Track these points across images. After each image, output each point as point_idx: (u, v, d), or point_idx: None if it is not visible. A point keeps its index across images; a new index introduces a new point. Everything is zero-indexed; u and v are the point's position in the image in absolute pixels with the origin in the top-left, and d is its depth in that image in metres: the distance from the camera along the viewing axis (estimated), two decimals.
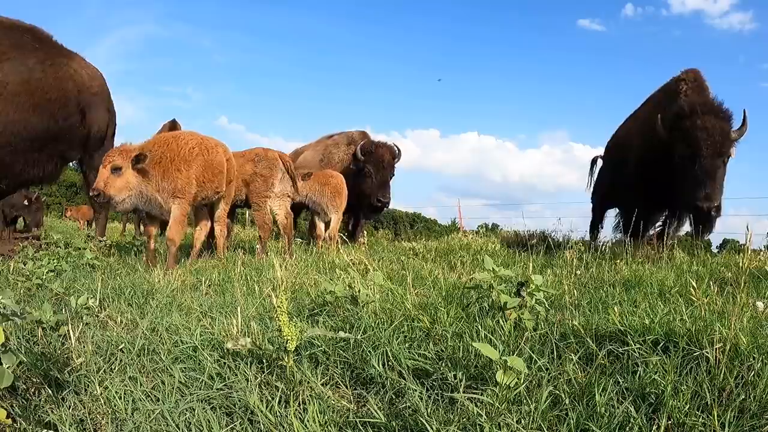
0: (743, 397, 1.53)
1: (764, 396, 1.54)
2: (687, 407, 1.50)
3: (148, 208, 4.83)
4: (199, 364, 1.92)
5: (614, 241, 6.20)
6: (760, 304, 2.39)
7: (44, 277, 3.47)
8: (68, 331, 2.14)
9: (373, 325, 2.19)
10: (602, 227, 7.81)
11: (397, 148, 7.83)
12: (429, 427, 1.43)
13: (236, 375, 1.81)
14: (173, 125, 9.62)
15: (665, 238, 5.52)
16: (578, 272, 3.55)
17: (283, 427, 1.52)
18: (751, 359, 1.72)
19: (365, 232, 8.23)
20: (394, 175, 7.77)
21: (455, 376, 1.72)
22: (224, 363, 1.90)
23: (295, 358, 1.86)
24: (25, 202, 10.80)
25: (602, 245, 4.95)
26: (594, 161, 8.13)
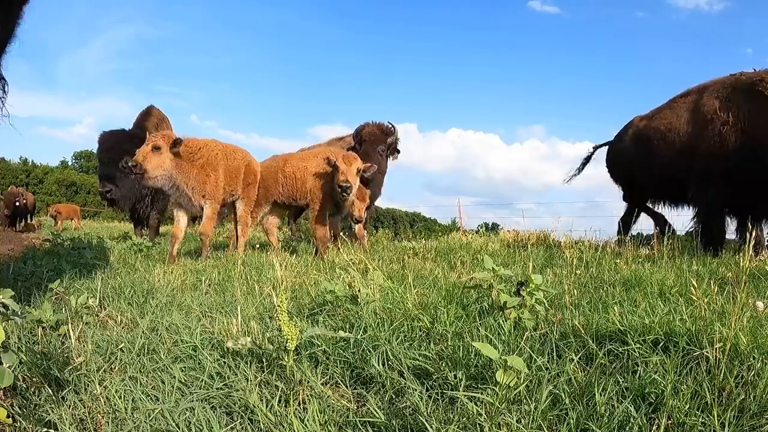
0: (743, 396, 1.53)
1: (764, 396, 1.54)
2: (687, 407, 1.50)
3: (175, 195, 5.42)
4: (199, 364, 1.92)
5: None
6: (760, 304, 2.39)
7: (44, 276, 3.47)
8: (68, 330, 2.15)
9: (373, 324, 2.19)
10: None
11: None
12: (429, 427, 1.43)
13: (236, 374, 1.81)
14: (148, 112, 9.45)
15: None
16: (578, 272, 3.56)
17: (283, 426, 1.52)
18: (751, 359, 1.72)
19: (366, 231, 8.22)
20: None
21: (455, 376, 1.72)
22: (224, 362, 1.90)
23: (295, 357, 1.86)
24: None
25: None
26: None
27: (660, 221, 7.44)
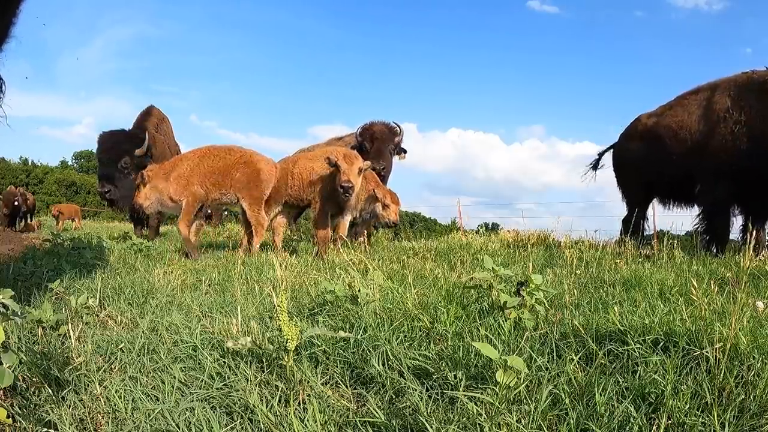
0: (743, 396, 1.53)
1: (764, 396, 1.54)
2: (687, 407, 1.50)
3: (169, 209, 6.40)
4: (199, 364, 1.92)
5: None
6: (760, 304, 2.39)
7: (44, 276, 3.47)
8: (68, 330, 2.15)
9: (373, 324, 2.19)
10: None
11: None
12: (429, 427, 1.43)
13: (236, 374, 1.81)
14: (148, 112, 9.47)
15: None
16: (578, 272, 3.56)
17: (283, 426, 1.52)
18: (751, 359, 1.72)
19: (366, 231, 8.22)
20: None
21: (455, 376, 1.72)
22: (224, 362, 1.90)
23: (295, 357, 1.86)
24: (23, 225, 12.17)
25: None
26: None
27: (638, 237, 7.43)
